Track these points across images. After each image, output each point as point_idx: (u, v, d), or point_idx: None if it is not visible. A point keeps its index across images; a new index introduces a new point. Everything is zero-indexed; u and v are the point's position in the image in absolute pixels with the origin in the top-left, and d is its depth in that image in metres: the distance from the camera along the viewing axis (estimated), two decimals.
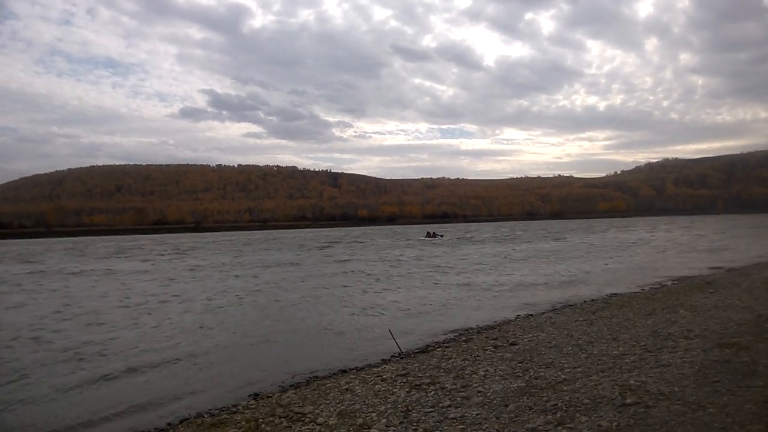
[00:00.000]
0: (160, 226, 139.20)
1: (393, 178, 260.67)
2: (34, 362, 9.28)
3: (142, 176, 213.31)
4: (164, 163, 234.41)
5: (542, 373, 6.62)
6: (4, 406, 7.18)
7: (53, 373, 8.58)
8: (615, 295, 14.60)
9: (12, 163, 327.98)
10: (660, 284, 16.44)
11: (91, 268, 28.76)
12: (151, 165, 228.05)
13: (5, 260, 38.59)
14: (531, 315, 12.13)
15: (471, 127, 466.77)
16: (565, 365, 6.93)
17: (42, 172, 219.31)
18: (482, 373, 6.89)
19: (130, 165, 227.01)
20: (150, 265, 30.19)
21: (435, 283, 18.76)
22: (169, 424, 6.38)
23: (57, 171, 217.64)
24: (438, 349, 9.06)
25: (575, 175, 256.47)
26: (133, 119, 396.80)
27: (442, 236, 57.66)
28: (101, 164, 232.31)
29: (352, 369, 8.31)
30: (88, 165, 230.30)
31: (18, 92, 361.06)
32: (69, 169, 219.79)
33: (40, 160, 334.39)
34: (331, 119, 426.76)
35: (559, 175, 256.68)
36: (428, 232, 60.58)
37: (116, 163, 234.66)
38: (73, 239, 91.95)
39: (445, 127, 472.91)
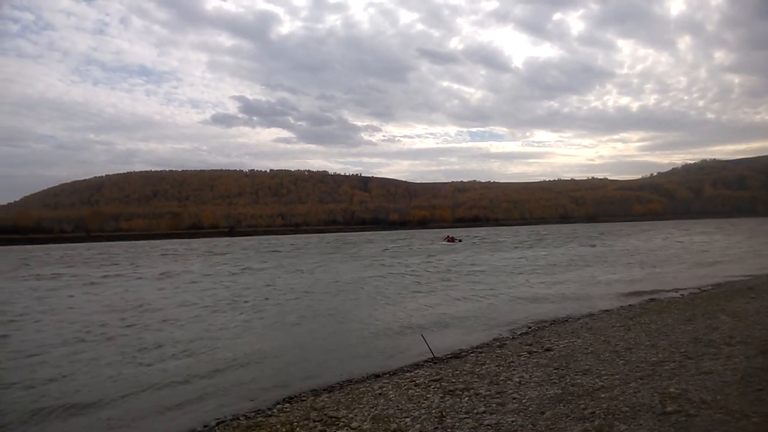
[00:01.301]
0: (195, 230, 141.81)
1: (423, 182, 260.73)
2: (93, 359, 9.58)
3: (178, 182, 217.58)
4: (198, 169, 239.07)
5: (579, 380, 6.52)
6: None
7: (103, 372, 8.83)
8: (653, 300, 14.28)
9: (52, 169, 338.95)
10: (699, 289, 16.01)
11: (146, 271, 29.51)
12: (187, 171, 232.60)
13: (61, 264, 39.82)
14: (566, 320, 11.95)
15: (501, 130, 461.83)
16: (603, 372, 6.81)
17: (80, 178, 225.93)
18: (517, 380, 6.82)
19: (166, 171, 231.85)
20: (209, 268, 30.79)
21: (466, 288, 18.62)
22: (205, 425, 6.49)
23: (96, 177, 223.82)
24: (471, 355, 9.01)
25: (609, 178, 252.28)
26: (166, 126, 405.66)
27: (460, 241, 56.96)
28: (137, 170, 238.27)
29: (385, 373, 8.30)
30: (125, 171, 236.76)
31: (56, 101, 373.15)
32: (107, 175, 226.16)
33: (79, 166, 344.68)
34: (359, 123, 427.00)
35: (593, 178, 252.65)
36: (448, 237, 60.06)
37: (152, 169, 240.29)
38: (115, 243, 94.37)
39: (474, 129, 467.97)
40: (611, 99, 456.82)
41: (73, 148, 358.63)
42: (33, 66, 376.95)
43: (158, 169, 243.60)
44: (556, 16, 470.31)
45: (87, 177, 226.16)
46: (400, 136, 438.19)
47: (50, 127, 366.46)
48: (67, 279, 26.45)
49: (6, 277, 29.36)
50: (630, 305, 13.56)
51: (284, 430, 5.79)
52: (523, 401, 5.88)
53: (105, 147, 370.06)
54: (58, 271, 32.31)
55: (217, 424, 6.51)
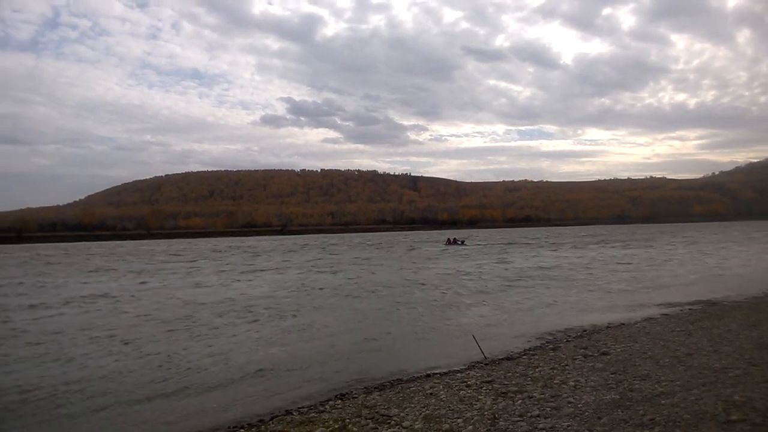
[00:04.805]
0: (249, 228, 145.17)
1: (471, 181, 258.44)
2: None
3: (233, 181, 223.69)
4: (252, 169, 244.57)
5: (637, 386, 6.33)
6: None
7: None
8: (715, 304, 13.72)
9: (112, 169, 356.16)
10: (765, 293, 15.27)
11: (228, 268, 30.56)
12: (241, 171, 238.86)
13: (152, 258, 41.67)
14: (623, 324, 11.58)
15: (551, 128, 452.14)
16: (662, 378, 6.59)
17: (139, 178, 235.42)
18: (572, 383, 6.67)
19: (221, 171, 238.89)
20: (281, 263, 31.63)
21: (517, 290, 18.39)
22: (260, 420, 6.62)
23: (156, 177, 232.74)
24: (524, 357, 8.88)
25: (668, 177, 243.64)
26: (219, 127, 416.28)
27: (462, 242, 53.58)
28: (194, 170, 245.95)
29: (436, 374, 8.26)
30: (181, 171, 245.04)
31: (114, 104, 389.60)
32: (167, 175, 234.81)
33: (137, 166, 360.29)
34: (405, 123, 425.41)
35: (651, 177, 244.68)
36: (448, 239, 56.92)
37: (207, 170, 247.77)
38: (175, 240, 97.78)
39: (523, 128, 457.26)
40: (666, 95, 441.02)
41: (132, 149, 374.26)
42: (92, 70, 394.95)
43: (213, 169, 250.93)
44: (606, 10, 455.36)
45: (147, 177, 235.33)
46: (448, 135, 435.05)
47: (109, 129, 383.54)
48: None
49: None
50: (690, 309, 13.08)
51: (336, 426, 5.84)
52: (579, 406, 5.75)
53: (161, 148, 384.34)
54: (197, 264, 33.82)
55: (271, 418, 6.63)
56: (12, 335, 12.23)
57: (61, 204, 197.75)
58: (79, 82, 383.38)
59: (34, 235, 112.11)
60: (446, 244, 53.87)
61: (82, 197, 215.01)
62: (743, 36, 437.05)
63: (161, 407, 7.26)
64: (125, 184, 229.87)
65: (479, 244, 54.60)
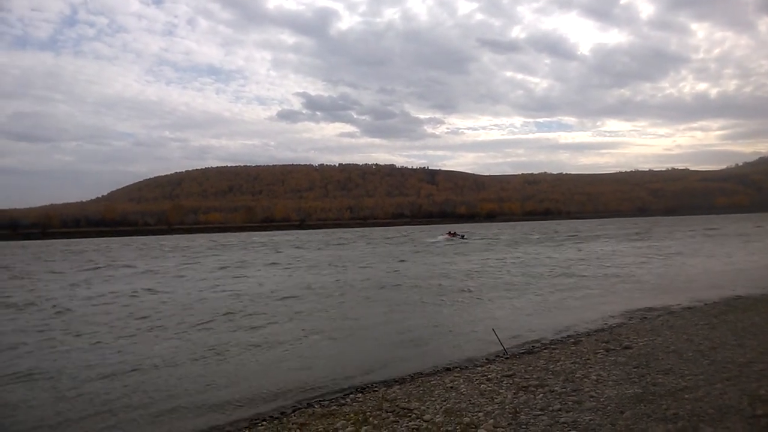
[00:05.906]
0: (268, 223, 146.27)
1: (489, 174, 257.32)
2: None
3: (252, 177, 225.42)
4: (270, 164, 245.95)
5: (660, 380, 6.28)
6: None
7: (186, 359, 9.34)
8: (739, 297, 13.50)
9: (132, 165, 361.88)
10: None
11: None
12: (260, 166, 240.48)
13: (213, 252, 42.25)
14: (645, 318, 11.48)
15: (569, 120, 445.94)
16: (686, 372, 6.53)
17: (159, 174, 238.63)
18: (594, 377, 6.64)
19: (240, 166, 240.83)
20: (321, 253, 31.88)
21: (539, 283, 18.30)
22: (282, 413, 6.69)
23: (176, 173, 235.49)
24: (544, 351, 8.85)
25: (690, 168, 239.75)
26: (236, 123, 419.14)
27: (463, 237, 52.82)
28: (213, 166, 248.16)
29: (456, 367, 8.27)
30: (200, 167, 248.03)
31: (132, 100, 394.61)
32: (186, 170, 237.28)
33: (157, 162, 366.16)
34: (422, 116, 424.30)
35: (673, 169, 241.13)
36: (449, 232, 56.46)
37: (225, 165, 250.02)
38: (196, 236, 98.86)
39: (541, 120, 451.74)
40: (687, 85, 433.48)
41: (151, 145, 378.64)
42: (110, 67, 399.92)
43: (231, 164, 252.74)
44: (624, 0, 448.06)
45: (167, 172, 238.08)
46: (464, 129, 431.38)
47: (129, 126, 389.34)
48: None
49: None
50: (714, 302, 12.90)
51: (357, 419, 5.88)
52: (601, 400, 5.72)
53: (180, 144, 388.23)
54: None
55: (293, 411, 6.70)
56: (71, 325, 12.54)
57: (84, 200, 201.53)
58: (97, 79, 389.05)
59: (58, 231, 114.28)
60: (446, 240, 52.90)
61: (105, 193, 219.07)
62: (765, 24, 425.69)
63: (183, 400, 7.35)
64: (146, 180, 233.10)
65: (495, 238, 54.29)
